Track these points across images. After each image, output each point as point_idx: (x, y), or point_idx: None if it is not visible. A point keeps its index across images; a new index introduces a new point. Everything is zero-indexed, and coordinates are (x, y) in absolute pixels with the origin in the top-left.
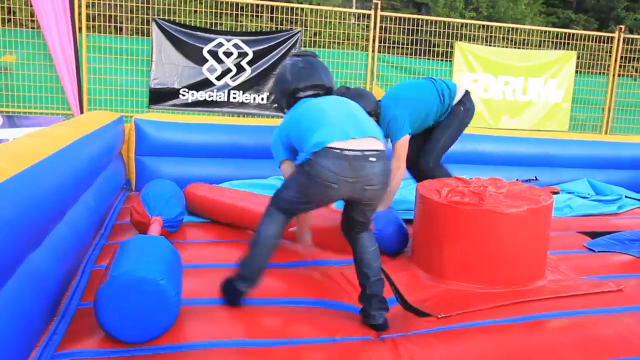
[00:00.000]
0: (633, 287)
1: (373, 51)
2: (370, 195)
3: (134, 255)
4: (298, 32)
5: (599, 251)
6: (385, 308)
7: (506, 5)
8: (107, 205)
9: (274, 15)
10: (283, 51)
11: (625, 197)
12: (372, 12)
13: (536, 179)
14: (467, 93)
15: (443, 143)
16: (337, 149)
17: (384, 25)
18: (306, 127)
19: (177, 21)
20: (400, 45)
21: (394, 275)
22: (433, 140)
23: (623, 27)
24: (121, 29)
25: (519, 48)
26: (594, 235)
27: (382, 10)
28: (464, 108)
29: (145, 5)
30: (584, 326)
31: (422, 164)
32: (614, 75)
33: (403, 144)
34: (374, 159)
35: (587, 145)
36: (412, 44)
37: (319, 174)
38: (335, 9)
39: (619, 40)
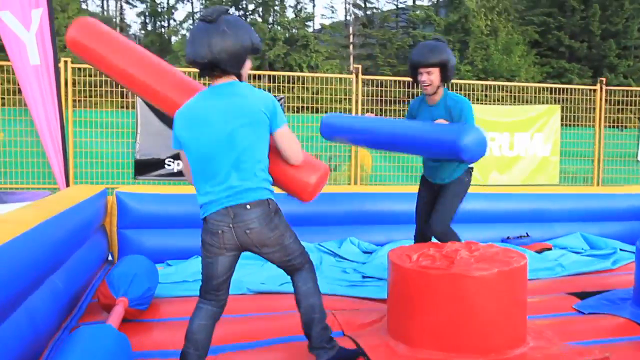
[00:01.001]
0: (622, 352)
1: (357, 114)
2: (257, 237)
3: (68, 357)
4: (281, 97)
5: (588, 313)
6: (322, 347)
7: (500, 58)
8: (83, 284)
9: (259, 84)
10: None
11: (620, 250)
12: (353, 76)
13: (527, 236)
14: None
15: (453, 207)
16: None
17: (366, 89)
18: (193, 170)
19: None
20: (387, 107)
21: (366, 345)
22: (445, 204)
23: (605, 79)
24: (107, 103)
25: (509, 104)
26: (584, 295)
27: (365, 73)
28: (468, 179)
29: None
30: None
31: (437, 229)
32: (600, 127)
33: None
34: (249, 207)
35: (579, 198)
36: (395, 105)
37: (209, 225)
38: (318, 74)
39: (601, 91)
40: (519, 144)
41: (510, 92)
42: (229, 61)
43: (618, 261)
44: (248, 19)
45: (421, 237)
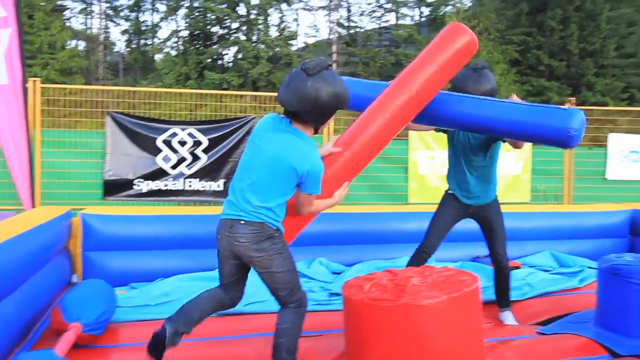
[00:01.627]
0: None
1: (329, 134)
2: (243, 251)
3: None
4: (252, 118)
5: (551, 334)
6: None
7: None
8: (40, 308)
9: (242, 104)
10: (238, 137)
11: (588, 267)
12: None
13: None
14: None
15: (505, 232)
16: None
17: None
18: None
19: (130, 113)
20: None
21: None
22: (501, 231)
23: (574, 98)
24: (75, 123)
25: None
26: (547, 322)
27: None
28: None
29: (99, 99)
30: None
31: (502, 255)
32: None
33: None
34: (243, 222)
35: (549, 216)
36: None
37: (216, 229)
38: None
39: None
40: None
41: None
42: (312, 115)
43: (585, 279)
44: (232, 37)
45: (425, 253)
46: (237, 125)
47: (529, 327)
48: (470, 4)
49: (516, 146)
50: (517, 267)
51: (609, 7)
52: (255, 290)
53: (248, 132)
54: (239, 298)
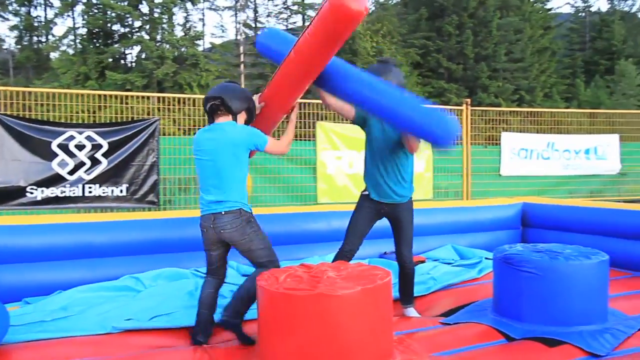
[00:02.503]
0: (483, 358)
1: None
2: (229, 237)
3: None
4: (156, 120)
5: (453, 323)
6: (226, 316)
7: None
8: None
9: (147, 105)
10: (142, 140)
11: (486, 259)
12: None
13: None
14: None
15: (412, 234)
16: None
17: None
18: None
19: (20, 115)
20: None
21: None
22: (409, 233)
23: (470, 100)
24: None
25: None
26: (451, 313)
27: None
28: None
29: None
30: None
31: (407, 256)
32: (467, 144)
33: None
34: (223, 212)
35: (450, 211)
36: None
37: (200, 225)
38: (197, 96)
39: (467, 111)
40: None
41: None
42: (234, 99)
43: (483, 270)
44: (134, 36)
45: (346, 257)
46: (139, 128)
47: (433, 319)
48: (373, 9)
49: (411, 150)
50: (422, 262)
51: (498, 15)
52: (162, 300)
53: (152, 134)
54: (225, 275)
